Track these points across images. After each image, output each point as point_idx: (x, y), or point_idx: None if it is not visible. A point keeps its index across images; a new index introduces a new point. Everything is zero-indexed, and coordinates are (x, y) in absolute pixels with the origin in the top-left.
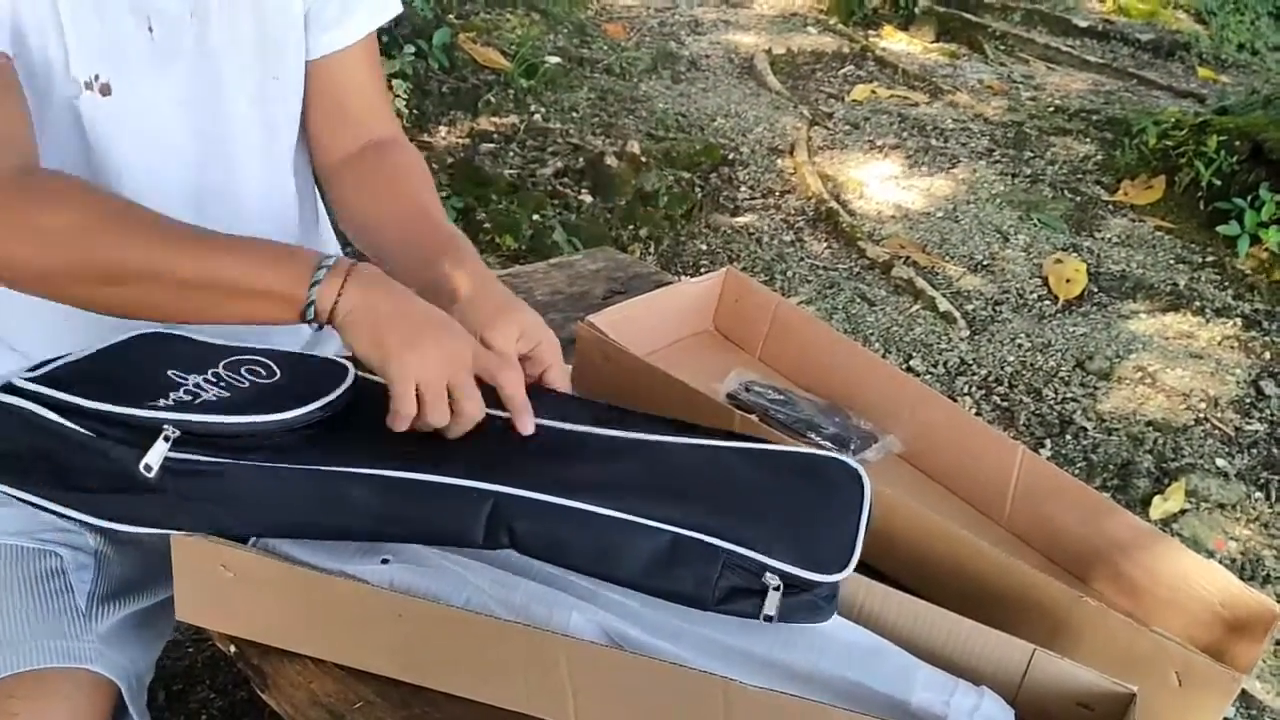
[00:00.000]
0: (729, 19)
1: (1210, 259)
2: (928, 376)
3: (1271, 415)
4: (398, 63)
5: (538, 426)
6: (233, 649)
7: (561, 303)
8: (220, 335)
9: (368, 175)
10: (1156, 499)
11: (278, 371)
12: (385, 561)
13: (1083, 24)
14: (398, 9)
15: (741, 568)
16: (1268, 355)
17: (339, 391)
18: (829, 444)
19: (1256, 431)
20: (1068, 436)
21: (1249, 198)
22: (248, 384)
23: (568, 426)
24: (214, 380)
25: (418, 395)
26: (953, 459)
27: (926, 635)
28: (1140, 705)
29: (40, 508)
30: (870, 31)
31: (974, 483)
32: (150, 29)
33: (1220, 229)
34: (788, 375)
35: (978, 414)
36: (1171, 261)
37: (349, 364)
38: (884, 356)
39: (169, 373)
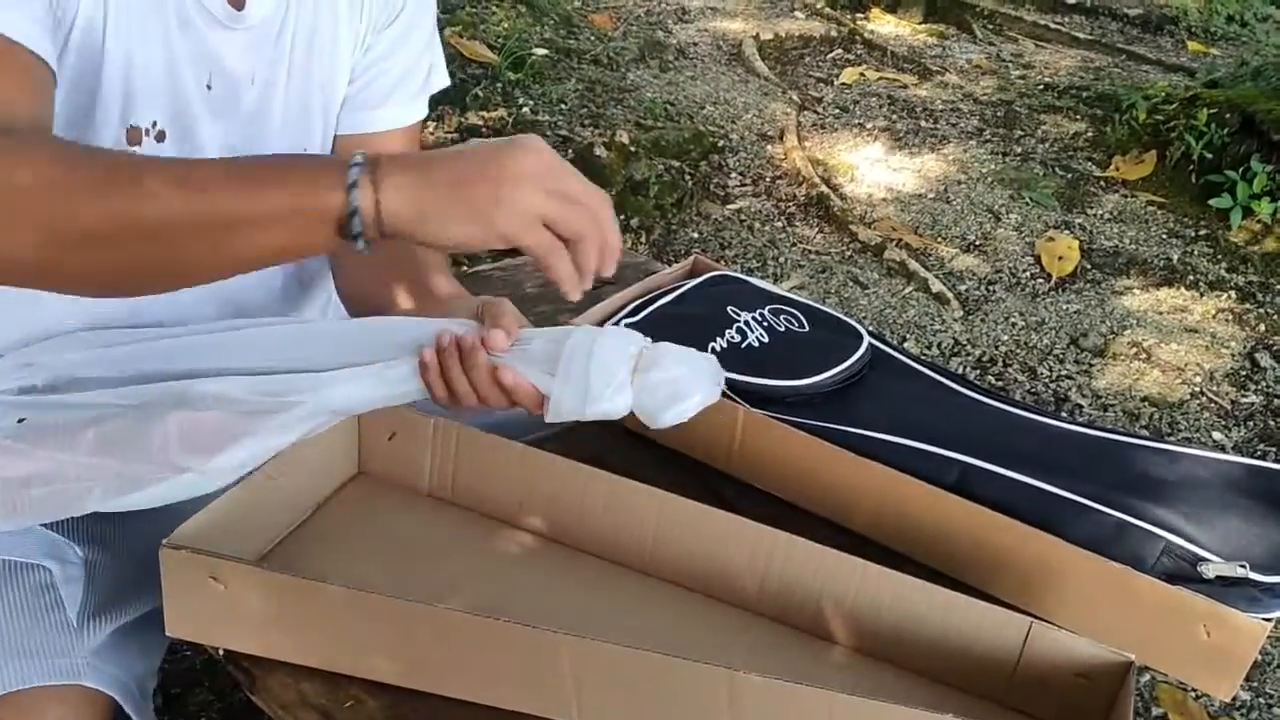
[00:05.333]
0: (716, 6)
1: (1203, 232)
2: (923, 358)
3: (1267, 387)
4: None
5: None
6: (221, 652)
7: (551, 295)
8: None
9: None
10: None
11: (807, 325)
12: (22, 421)
13: (1071, 0)
14: (423, 111)
15: (1180, 557)
16: (1262, 327)
17: (854, 359)
18: None
19: (1252, 404)
20: (1064, 414)
21: (1240, 170)
22: (784, 329)
23: (996, 403)
24: (760, 320)
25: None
26: None
27: (924, 611)
28: (1171, 658)
29: None
30: (858, 14)
31: None
32: (209, 85)
33: (1212, 202)
34: None
35: None
36: (1164, 236)
37: (860, 327)
38: None
39: (728, 308)
